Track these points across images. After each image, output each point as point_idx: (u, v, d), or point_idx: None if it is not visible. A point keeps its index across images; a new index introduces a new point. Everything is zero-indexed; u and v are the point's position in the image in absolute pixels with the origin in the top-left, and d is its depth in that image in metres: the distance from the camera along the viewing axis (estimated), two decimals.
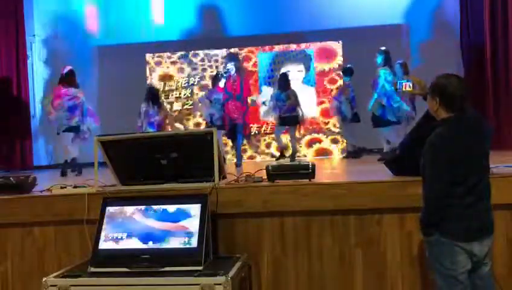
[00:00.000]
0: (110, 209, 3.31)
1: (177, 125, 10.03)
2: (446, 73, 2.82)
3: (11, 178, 3.99)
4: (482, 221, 2.70)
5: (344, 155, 8.86)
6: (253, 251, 3.51)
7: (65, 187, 4.00)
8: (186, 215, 3.19)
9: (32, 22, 10.53)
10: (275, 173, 3.62)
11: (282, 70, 9.74)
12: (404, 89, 6.88)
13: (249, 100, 8.19)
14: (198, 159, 3.56)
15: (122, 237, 3.19)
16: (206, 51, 10.25)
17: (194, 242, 3.07)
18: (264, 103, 9.74)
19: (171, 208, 3.24)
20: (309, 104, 9.52)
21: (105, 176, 3.88)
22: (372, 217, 3.46)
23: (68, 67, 7.62)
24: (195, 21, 10.53)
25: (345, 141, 9.09)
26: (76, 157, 7.37)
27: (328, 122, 9.69)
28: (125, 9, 10.29)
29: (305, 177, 3.58)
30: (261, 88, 10.05)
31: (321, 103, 9.76)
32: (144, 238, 3.17)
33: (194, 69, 10.27)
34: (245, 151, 9.43)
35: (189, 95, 10.23)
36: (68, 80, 7.43)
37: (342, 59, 9.74)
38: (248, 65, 10.07)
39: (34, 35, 10.50)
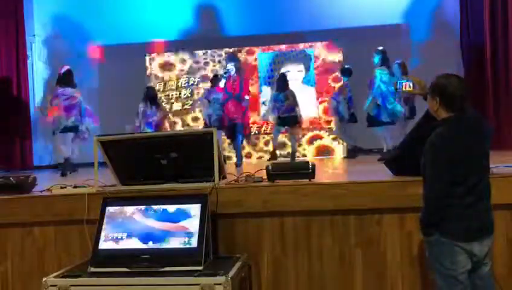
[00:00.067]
0: (110, 209, 3.31)
1: (176, 119, 10.06)
2: (446, 73, 2.82)
3: (11, 178, 3.99)
4: (482, 221, 2.71)
5: (345, 155, 8.87)
6: (253, 251, 3.51)
7: (65, 187, 4.00)
8: (186, 215, 3.19)
9: (32, 22, 10.53)
10: (275, 173, 3.62)
11: (282, 70, 9.76)
12: (404, 89, 6.88)
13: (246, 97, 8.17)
14: (198, 159, 3.56)
15: (122, 237, 3.19)
16: (206, 51, 10.25)
17: (194, 242, 3.07)
18: (264, 103, 9.75)
19: (171, 208, 3.24)
20: (309, 104, 9.52)
21: (105, 176, 3.88)
22: (372, 217, 3.46)
23: (65, 67, 7.62)
24: (195, 21, 10.53)
25: (343, 140, 9.10)
26: (70, 157, 7.37)
27: (330, 120, 9.69)
28: (125, 9, 10.29)
29: (305, 177, 3.58)
30: (261, 88, 10.05)
31: (324, 101, 9.76)
32: (144, 238, 3.17)
33: (194, 68, 10.28)
34: (243, 148, 9.43)
35: (189, 95, 10.24)
36: (65, 80, 7.43)
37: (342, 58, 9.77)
38: (251, 59, 10.04)
39: (34, 35, 10.50)
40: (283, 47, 10.11)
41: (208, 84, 9.30)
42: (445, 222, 2.67)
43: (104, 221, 3.27)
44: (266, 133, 9.85)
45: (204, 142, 3.47)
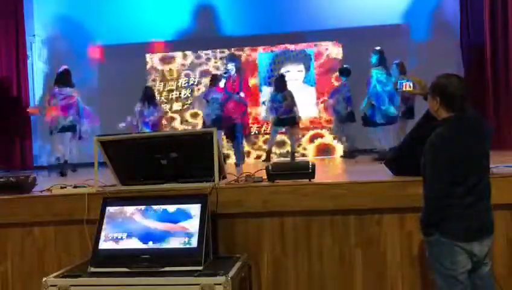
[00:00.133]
0: (110, 209, 3.31)
1: (174, 115, 10.04)
2: (446, 73, 2.82)
3: (11, 178, 3.99)
4: (482, 221, 2.71)
5: (341, 155, 8.86)
6: (253, 251, 3.51)
7: (65, 187, 4.00)
8: (186, 215, 3.19)
9: (32, 22, 10.54)
10: (275, 173, 3.62)
11: (282, 70, 9.76)
12: (404, 89, 6.88)
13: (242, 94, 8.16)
14: (198, 159, 3.56)
15: (122, 237, 3.19)
16: (206, 51, 10.26)
17: (194, 242, 3.07)
18: (264, 102, 9.75)
19: (171, 208, 3.24)
20: (309, 104, 9.52)
21: (105, 176, 3.88)
22: (372, 217, 3.46)
23: (63, 67, 7.63)
24: (195, 21, 10.53)
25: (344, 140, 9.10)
26: (66, 157, 7.38)
27: (331, 119, 9.68)
28: (126, 10, 10.29)
29: (305, 177, 3.58)
30: (261, 88, 10.05)
31: (325, 100, 9.76)
32: (144, 238, 3.17)
33: (195, 64, 10.28)
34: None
35: (189, 95, 10.24)
36: (63, 79, 7.43)
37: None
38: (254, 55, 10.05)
39: (34, 35, 10.51)
40: (292, 47, 10.07)
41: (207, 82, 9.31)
42: (445, 222, 2.67)
43: (104, 221, 3.27)
44: (267, 133, 9.85)
45: (204, 142, 3.47)
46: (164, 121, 8.87)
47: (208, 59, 10.28)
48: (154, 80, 10.34)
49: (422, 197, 2.74)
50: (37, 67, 10.52)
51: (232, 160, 8.39)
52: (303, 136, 9.70)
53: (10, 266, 3.78)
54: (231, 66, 8.26)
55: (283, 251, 3.53)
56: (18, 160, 9.86)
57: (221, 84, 8.18)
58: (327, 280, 3.49)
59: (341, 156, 8.79)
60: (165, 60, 10.35)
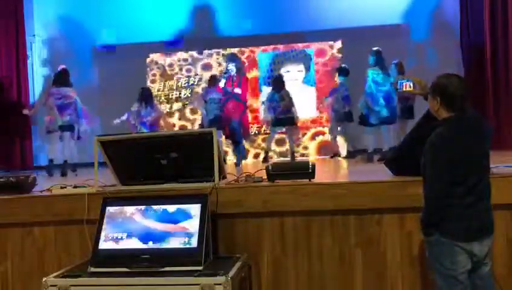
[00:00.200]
0: (110, 209, 3.31)
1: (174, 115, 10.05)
2: (447, 73, 2.82)
3: (11, 178, 3.99)
4: (482, 221, 2.71)
5: (333, 154, 8.87)
6: (253, 251, 3.51)
7: (65, 187, 4.00)
8: (186, 215, 3.18)
9: (32, 22, 10.54)
10: (275, 173, 3.62)
11: (282, 70, 9.76)
12: (404, 89, 6.85)
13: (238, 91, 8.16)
14: (198, 159, 3.56)
15: (122, 237, 3.19)
16: (206, 51, 10.27)
17: (194, 242, 3.07)
18: (263, 102, 9.75)
19: (171, 208, 3.24)
20: (309, 104, 9.52)
21: (105, 176, 3.88)
22: (372, 217, 3.46)
23: (61, 67, 7.64)
24: (195, 21, 10.53)
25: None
26: (54, 159, 7.40)
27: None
28: (126, 10, 10.30)
29: (305, 177, 3.58)
30: (261, 88, 10.06)
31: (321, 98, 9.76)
32: (144, 238, 3.17)
33: (194, 68, 10.28)
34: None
35: (189, 95, 10.24)
36: (61, 79, 7.44)
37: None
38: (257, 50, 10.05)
39: (34, 35, 10.52)
40: (292, 47, 10.04)
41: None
42: (445, 222, 2.67)
43: (104, 221, 3.27)
44: (267, 133, 9.84)
45: (204, 142, 3.47)
46: (162, 123, 8.85)
47: (209, 59, 10.28)
48: (154, 80, 10.33)
49: (422, 197, 2.74)
50: (37, 67, 10.53)
51: (231, 160, 8.39)
52: (303, 135, 9.69)
53: (10, 266, 3.78)
54: (231, 66, 8.27)
55: (283, 251, 3.53)
56: (18, 160, 9.87)
57: (221, 84, 8.18)
58: (327, 280, 3.49)
59: (331, 156, 8.78)
60: (165, 60, 10.35)
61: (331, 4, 9.86)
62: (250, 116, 9.59)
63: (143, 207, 3.29)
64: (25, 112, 8.15)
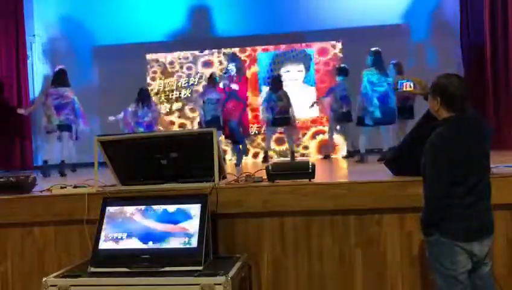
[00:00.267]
0: (110, 209, 3.31)
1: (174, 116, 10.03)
2: (447, 73, 2.82)
3: (11, 178, 3.99)
4: (482, 221, 2.71)
5: (327, 154, 8.87)
6: (253, 251, 3.51)
7: (65, 187, 4.00)
8: (186, 215, 3.19)
9: (32, 22, 10.54)
10: (274, 173, 3.62)
11: (282, 70, 9.76)
12: (405, 89, 6.87)
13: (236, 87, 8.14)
14: (198, 159, 3.56)
15: (122, 237, 3.19)
16: (206, 51, 10.27)
17: (194, 242, 3.07)
18: (262, 103, 9.74)
19: (171, 208, 3.24)
20: (309, 104, 9.51)
21: (105, 176, 3.88)
22: (372, 217, 3.46)
23: (59, 67, 7.64)
24: (195, 21, 10.53)
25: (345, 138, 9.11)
26: (48, 160, 7.41)
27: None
28: (126, 10, 10.30)
29: (305, 177, 3.58)
30: (261, 88, 10.06)
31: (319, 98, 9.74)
32: (144, 238, 3.17)
33: (194, 68, 10.28)
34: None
35: (189, 95, 10.24)
36: (59, 79, 7.43)
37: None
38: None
39: (34, 35, 10.51)
40: (292, 47, 10.05)
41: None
42: (445, 222, 2.67)
43: (104, 221, 3.27)
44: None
45: (204, 142, 3.47)
46: (159, 123, 8.84)
47: (208, 59, 10.29)
48: (154, 77, 10.33)
49: (422, 197, 2.74)
50: (37, 67, 10.52)
51: (231, 160, 8.39)
52: (303, 135, 9.69)
53: (10, 266, 3.78)
54: (231, 66, 8.26)
55: (283, 251, 3.53)
56: (18, 160, 9.87)
57: (221, 84, 8.18)
58: (327, 280, 3.49)
59: (323, 157, 8.78)
60: (165, 60, 10.35)
61: (331, 4, 9.85)
62: (250, 115, 9.59)
63: (143, 207, 3.29)
64: (20, 111, 8.14)
